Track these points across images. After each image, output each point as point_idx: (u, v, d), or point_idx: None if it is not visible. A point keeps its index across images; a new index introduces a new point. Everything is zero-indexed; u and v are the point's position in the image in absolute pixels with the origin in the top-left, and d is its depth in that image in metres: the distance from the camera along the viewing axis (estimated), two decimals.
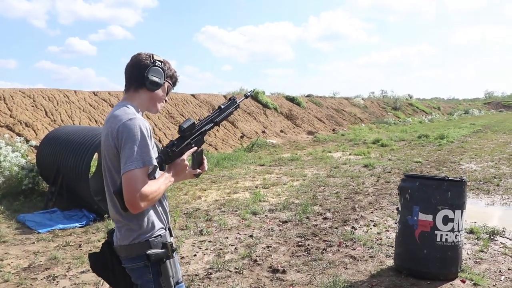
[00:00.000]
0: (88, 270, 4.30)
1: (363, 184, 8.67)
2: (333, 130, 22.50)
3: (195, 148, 2.15)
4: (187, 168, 2.08)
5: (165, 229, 2.01)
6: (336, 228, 5.72)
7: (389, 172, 9.97)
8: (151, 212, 1.95)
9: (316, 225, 5.89)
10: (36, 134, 10.57)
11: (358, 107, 31.30)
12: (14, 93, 12.14)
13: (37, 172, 7.79)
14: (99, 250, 2.06)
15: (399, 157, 12.63)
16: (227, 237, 5.41)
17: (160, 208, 2.01)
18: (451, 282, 3.97)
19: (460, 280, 3.99)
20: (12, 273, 4.39)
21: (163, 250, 1.94)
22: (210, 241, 5.26)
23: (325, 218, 6.21)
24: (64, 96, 13.14)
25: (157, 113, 2.19)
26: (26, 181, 7.58)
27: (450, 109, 51.90)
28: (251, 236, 5.45)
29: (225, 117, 2.36)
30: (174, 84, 2.16)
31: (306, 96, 28.12)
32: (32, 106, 11.97)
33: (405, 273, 4.02)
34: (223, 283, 4.01)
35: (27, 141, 9.58)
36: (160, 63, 2.04)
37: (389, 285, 3.90)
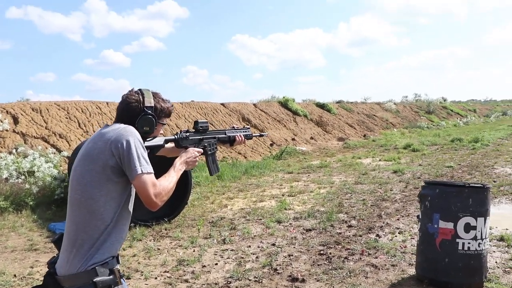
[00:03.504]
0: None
1: (391, 190, 8.54)
2: (364, 135, 22.23)
3: (201, 150, 2.37)
4: (198, 160, 2.27)
5: (113, 257, 1.94)
6: (360, 236, 5.66)
7: (419, 178, 9.78)
8: (107, 241, 1.91)
9: (340, 233, 5.84)
10: (69, 145, 10.91)
11: (390, 112, 30.82)
12: (49, 105, 12.57)
13: (68, 182, 8.03)
14: (41, 283, 2.02)
15: (430, 162, 12.36)
16: (249, 246, 5.43)
17: (119, 235, 1.96)
18: None
19: None
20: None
21: (110, 276, 1.88)
22: (232, 250, 5.30)
23: (350, 226, 6.15)
24: (97, 108, 13.50)
25: None
26: (58, 191, 7.82)
27: (487, 111, 50.41)
28: (273, 244, 5.46)
29: (235, 135, 2.62)
30: (168, 116, 2.19)
31: (337, 102, 27.89)
32: (66, 118, 12.36)
33: (426, 283, 3.94)
34: None
35: (60, 151, 9.89)
36: (151, 109, 2.05)
37: None
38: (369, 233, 5.80)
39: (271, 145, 16.62)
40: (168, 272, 4.64)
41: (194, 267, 4.74)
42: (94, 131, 12.13)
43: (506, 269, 4.42)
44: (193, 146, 2.37)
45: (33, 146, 10.13)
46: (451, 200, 3.81)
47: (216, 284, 4.25)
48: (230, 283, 4.25)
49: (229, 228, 6.27)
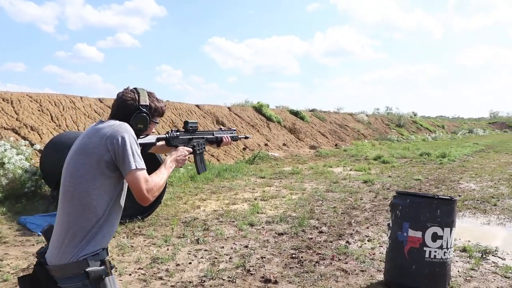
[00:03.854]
0: None
1: (361, 199, 8.76)
2: (336, 145, 22.60)
3: (191, 150, 2.46)
4: (187, 159, 2.37)
5: (103, 249, 2.00)
6: (331, 242, 5.81)
7: (388, 189, 10.06)
8: (99, 233, 1.96)
9: (311, 238, 5.98)
10: (41, 138, 10.74)
11: (362, 123, 31.42)
12: (21, 96, 12.32)
13: (40, 176, 7.92)
14: (30, 273, 2.03)
15: (399, 174, 12.71)
16: (222, 247, 5.51)
17: (110, 229, 2.02)
18: None
19: None
20: (11, 273, 4.51)
21: (102, 267, 1.94)
22: (206, 250, 5.37)
23: (321, 232, 6.30)
24: (70, 102, 13.33)
25: None
26: (29, 184, 7.72)
27: (455, 128, 51.96)
28: (246, 246, 5.55)
29: (222, 136, 2.73)
30: (161, 115, 2.28)
31: (310, 111, 28.29)
32: (39, 110, 12.15)
33: None
34: None
35: (32, 144, 9.74)
36: (146, 108, 2.14)
37: None
38: (340, 239, 5.96)
39: (244, 149, 16.73)
40: (142, 269, 4.67)
41: (168, 265, 4.78)
42: (67, 125, 11.99)
43: (467, 278, 4.64)
44: (183, 145, 2.47)
45: (2, 137, 9.93)
46: (421, 210, 4.00)
47: (190, 282, 4.31)
48: (204, 282, 4.32)
49: (202, 228, 6.33)
